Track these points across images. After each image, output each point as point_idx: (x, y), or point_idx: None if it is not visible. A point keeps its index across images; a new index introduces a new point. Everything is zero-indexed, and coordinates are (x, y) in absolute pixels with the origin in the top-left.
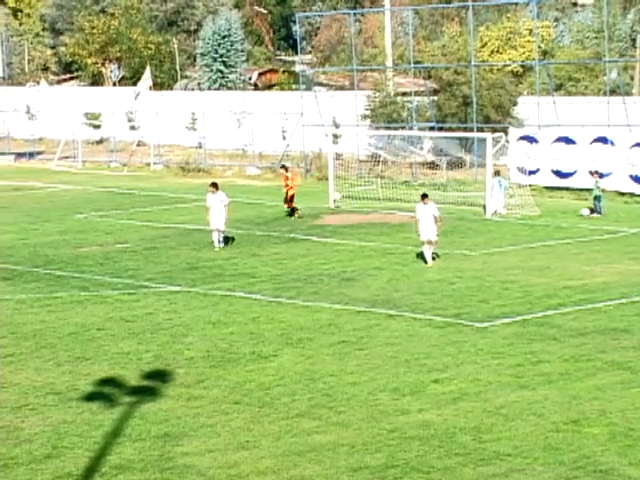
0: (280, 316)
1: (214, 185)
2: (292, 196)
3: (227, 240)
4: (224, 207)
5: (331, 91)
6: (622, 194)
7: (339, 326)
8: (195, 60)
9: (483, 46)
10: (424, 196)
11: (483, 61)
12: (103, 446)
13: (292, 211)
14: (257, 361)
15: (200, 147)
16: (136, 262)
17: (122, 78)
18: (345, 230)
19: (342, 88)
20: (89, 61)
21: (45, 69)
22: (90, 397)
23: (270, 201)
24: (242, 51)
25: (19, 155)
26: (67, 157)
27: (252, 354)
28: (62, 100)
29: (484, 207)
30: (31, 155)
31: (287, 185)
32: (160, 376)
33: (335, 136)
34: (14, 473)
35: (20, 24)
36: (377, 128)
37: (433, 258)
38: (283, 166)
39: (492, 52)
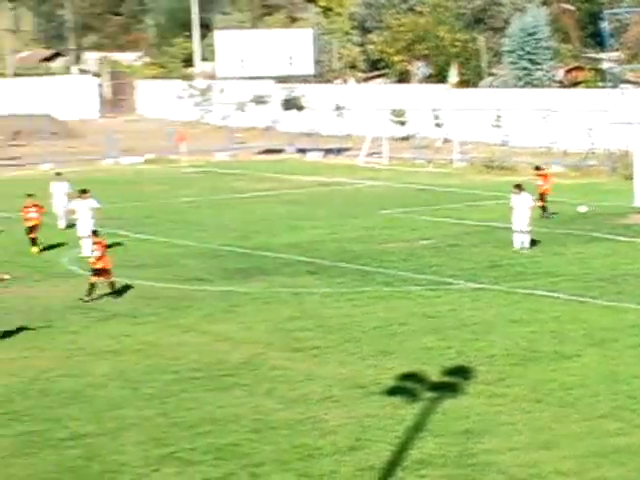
0: (583, 316)
1: (518, 186)
2: (545, 194)
3: (533, 242)
4: (528, 209)
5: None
6: None
7: None
8: (501, 57)
9: None
10: None
11: None
12: (404, 440)
13: (542, 209)
14: (559, 361)
15: (504, 145)
16: (439, 259)
17: (429, 76)
18: None
19: None
20: (396, 59)
21: (353, 67)
22: (392, 391)
23: (573, 199)
24: (548, 48)
25: (327, 151)
26: (373, 153)
27: (554, 353)
28: (369, 97)
29: None
30: (339, 151)
31: (542, 185)
32: (461, 373)
33: None
34: (319, 463)
35: (330, 23)
36: None
37: None
38: (537, 167)
39: None
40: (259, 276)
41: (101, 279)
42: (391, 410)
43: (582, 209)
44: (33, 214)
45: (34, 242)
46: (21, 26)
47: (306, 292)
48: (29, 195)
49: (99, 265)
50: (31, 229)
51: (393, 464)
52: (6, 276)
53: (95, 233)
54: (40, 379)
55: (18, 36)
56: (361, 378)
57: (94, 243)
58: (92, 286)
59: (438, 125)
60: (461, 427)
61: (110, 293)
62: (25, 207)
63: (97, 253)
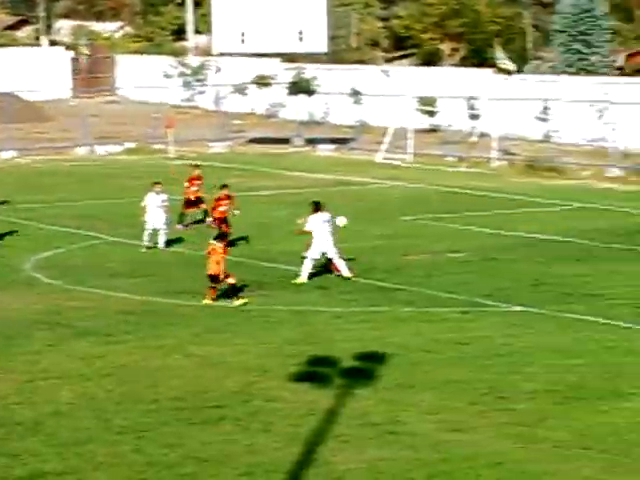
0: None
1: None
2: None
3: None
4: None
5: None
6: None
7: None
8: (550, 38)
9: None
10: None
11: None
12: None
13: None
14: (612, 400)
15: (551, 142)
16: (471, 275)
17: (462, 58)
18: None
19: None
20: (424, 37)
21: (374, 44)
22: (413, 432)
23: (635, 209)
24: (607, 29)
25: (340, 144)
26: (395, 148)
27: (606, 391)
28: (392, 81)
29: None
30: (354, 144)
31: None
32: (494, 411)
33: None
34: None
35: None
36: None
37: None
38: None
39: None
40: (257, 290)
41: None
42: (409, 453)
43: (340, 222)
44: None
45: None
46: None
47: (312, 311)
48: None
49: None
50: None
51: None
52: None
53: None
54: None
55: None
56: (375, 414)
57: None
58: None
59: (474, 117)
60: (493, 476)
61: None
62: None
63: None
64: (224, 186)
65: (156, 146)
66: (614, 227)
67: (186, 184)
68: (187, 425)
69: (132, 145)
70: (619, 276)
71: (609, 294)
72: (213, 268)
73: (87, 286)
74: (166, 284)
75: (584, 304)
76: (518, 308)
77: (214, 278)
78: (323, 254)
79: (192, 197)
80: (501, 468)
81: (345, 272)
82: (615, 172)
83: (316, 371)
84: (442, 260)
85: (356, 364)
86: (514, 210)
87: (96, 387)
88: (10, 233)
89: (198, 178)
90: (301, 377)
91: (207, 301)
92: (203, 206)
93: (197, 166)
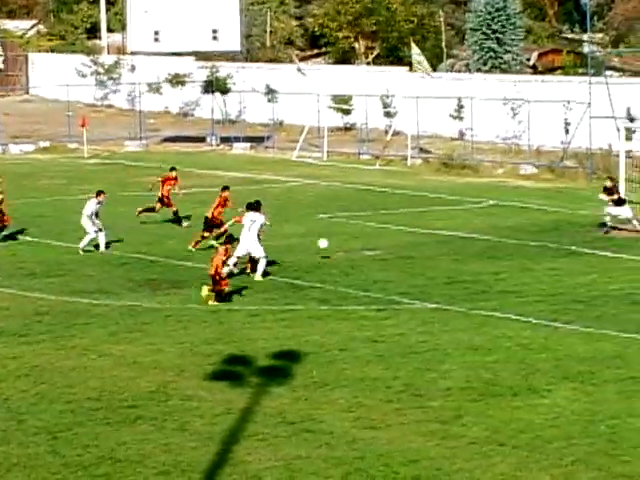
0: (555, 344)
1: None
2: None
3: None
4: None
5: (625, 77)
6: None
7: (627, 359)
8: (464, 37)
9: None
10: None
11: None
12: None
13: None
14: (526, 396)
15: (462, 138)
16: (387, 273)
17: (377, 56)
18: (638, 244)
19: (639, 74)
20: (340, 35)
21: (289, 43)
22: (329, 431)
23: (548, 206)
24: (520, 27)
25: (255, 142)
26: (310, 146)
27: (521, 388)
28: (307, 80)
29: None
30: (269, 143)
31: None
32: (410, 409)
33: (628, 131)
34: None
35: None
36: None
37: None
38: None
39: None
40: (172, 289)
41: None
42: (326, 452)
43: (323, 244)
44: None
45: None
46: None
47: (227, 309)
48: None
49: None
50: None
51: None
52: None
53: None
54: None
55: None
56: (291, 413)
57: None
58: None
59: (389, 114)
60: (409, 472)
61: None
62: None
63: None
64: (225, 188)
65: (70, 145)
66: (527, 224)
67: (159, 178)
68: (103, 425)
69: (46, 144)
70: (533, 273)
71: (523, 291)
72: (211, 269)
73: (1, 286)
74: (81, 284)
75: (498, 301)
76: (433, 305)
77: (212, 279)
78: (248, 253)
79: (165, 194)
80: (417, 465)
81: (258, 274)
82: (528, 170)
83: (232, 370)
84: (358, 258)
85: (272, 362)
86: (429, 208)
87: (10, 388)
88: None
89: (174, 179)
90: (217, 376)
91: (211, 302)
92: (160, 207)
93: (174, 168)
